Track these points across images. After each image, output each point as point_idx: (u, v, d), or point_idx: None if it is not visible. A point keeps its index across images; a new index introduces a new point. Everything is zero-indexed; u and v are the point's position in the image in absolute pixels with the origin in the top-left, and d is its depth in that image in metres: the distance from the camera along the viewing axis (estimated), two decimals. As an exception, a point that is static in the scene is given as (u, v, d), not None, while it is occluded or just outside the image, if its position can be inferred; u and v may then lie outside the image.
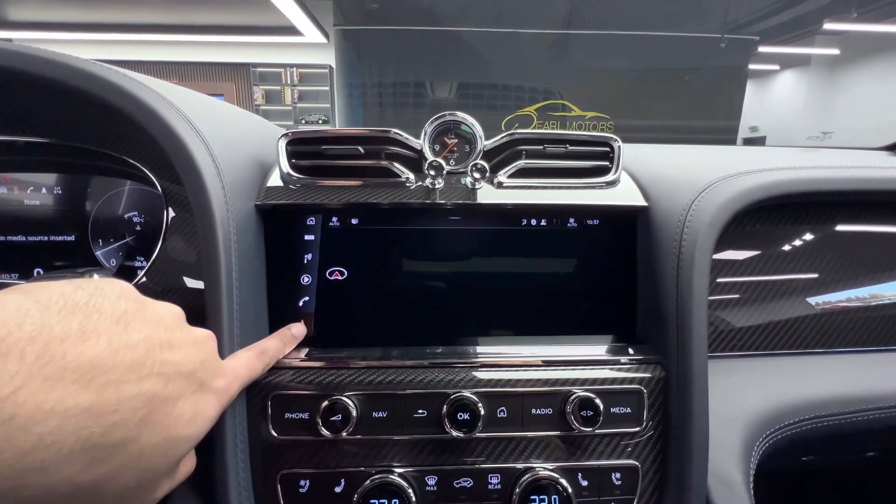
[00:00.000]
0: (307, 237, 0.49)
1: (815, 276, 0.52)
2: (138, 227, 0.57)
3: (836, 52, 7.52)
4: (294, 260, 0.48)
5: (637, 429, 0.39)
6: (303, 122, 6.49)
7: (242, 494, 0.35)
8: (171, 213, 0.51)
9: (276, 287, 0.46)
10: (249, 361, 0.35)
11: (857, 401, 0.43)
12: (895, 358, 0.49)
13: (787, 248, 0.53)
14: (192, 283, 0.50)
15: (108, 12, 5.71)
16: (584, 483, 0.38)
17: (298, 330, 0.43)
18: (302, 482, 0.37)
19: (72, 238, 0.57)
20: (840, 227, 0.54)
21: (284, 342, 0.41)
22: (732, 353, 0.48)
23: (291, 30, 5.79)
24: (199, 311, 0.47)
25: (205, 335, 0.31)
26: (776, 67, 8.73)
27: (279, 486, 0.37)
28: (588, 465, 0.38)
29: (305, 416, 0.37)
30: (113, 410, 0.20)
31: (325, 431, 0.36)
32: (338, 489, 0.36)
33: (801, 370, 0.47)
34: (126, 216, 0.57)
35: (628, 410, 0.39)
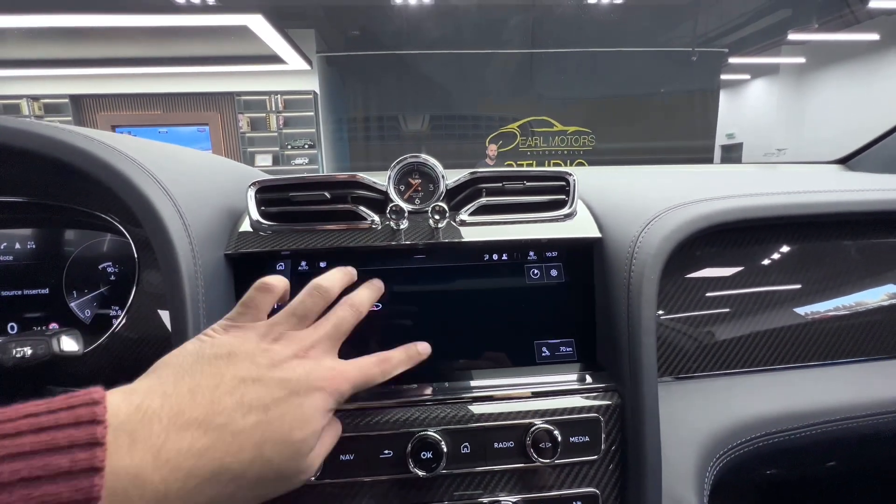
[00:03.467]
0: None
1: (766, 292, 0.55)
2: (112, 277, 0.58)
3: (802, 60, 7.85)
4: None
5: (595, 457, 0.41)
6: (289, 147, 6.55)
7: None
8: (142, 262, 0.52)
9: None
10: (365, 365, 0.36)
11: (806, 415, 0.45)
12: (842, 371, 0.51)
13: (739, 268, 0.56)
14: (170, 327, 0.51)
15: (91, 47, 5.77)
16: (547, 514, 0.39)
17: (424, 348, 0.42)
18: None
19: (46, 291, 0.57)
20: (797, 245, 0.57)
21: (409, 356, 0.40)
22: (688, 375, 0.50)
23: (275, 58, 5.89)
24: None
25: (294, 351, 0.32)
26: (747, 77, 9.07)
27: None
28: (550, 495, 0.39)
29: (274, 463, 0.38)
30: (230, 443, 0.26)
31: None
32: (305, 537, 0.37)
33: (755, 387, 0.49)
34: (100, 266, 0.58)
35: (586, 439, 0.41)
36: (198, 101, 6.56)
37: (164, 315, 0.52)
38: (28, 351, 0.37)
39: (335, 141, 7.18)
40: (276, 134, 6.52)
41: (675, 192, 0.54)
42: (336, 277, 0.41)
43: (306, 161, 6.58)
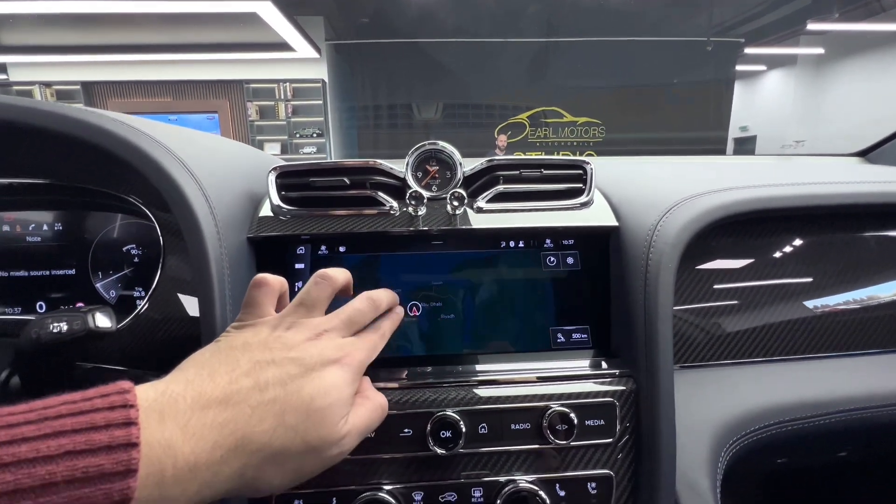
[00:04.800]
0: (297, 265, 0.51)
1: (780, 284, 0.55)
2: (136, 259, 0.60)
3: (820, 51, 7.64)
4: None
5: (610, 440, 0.41)
6: (297, 135, 6.55)
7: None
8: (167, 245, 0.54)
9: None
10: (367, 336, 0.36)
11: (818, 405, 0.46)
12: (856, 362, 0.52)
13: (757, 258, 0.56)
14: (192, 311, 0.52)
15: (103, 34, 5.79)
16: (562, 493, 0.40)
17: (400, 309, 0.42)
18: (296, 502, 0.39)
19: (72, 272, 0.59)
20: (810, 238, 0.57)
21: (393, 321, 0.40)
22: (701, 363, 0.51)
23: (284, 46, 5.86)
24: (198, 340, 0.50)
25: (306, 336, 0.33)
26: (763, 68, 8.86)
27: (274, 506, 0.39)
28: (565, 475, 0.40)
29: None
30: (250, 415, 0.27)
31: (316, 453, 0.38)
32: (329, 508, 0.39)
33: (767, 377, 0.49)
34: (124, 248, 0.59)
35: (602, 423, 0.42)
36: (207, 89, 6.56)
37: (185, 298, 0.53)
38: (64, 327, 0.38)
39: (343, 129, 7.17)
40: (284, 122, 6.52)
41: (693, 182, 0.54)
42: (340, 270, 0.40)
43: (314, 150, 6.58)
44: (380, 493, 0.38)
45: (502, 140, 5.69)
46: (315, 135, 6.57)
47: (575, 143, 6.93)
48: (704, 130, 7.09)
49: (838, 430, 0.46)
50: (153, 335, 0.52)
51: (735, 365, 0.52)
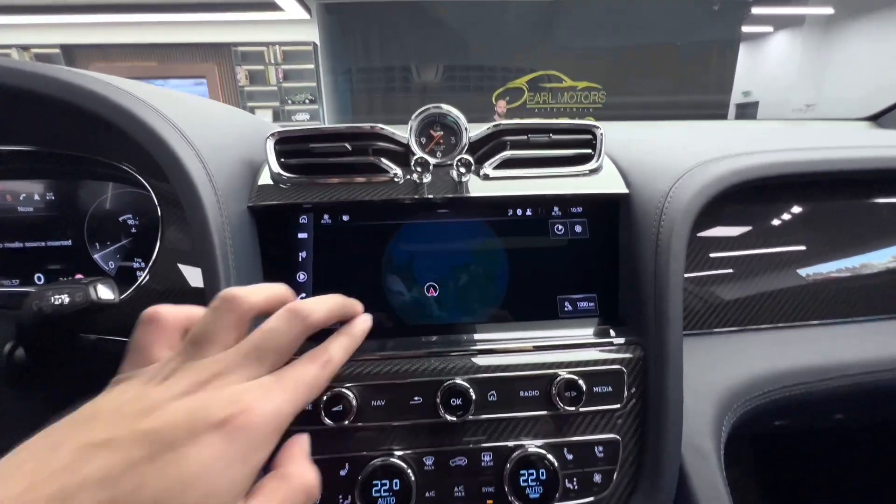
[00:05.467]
0: (300, 235, 0.50)
1: (786, 252, 0.55)
2: (133, 230, 0.58)
3: (829, 10, 7.36)
4: (289, 258, 0.49)
5: (617, 406, 0.42)
6: (289, 101, 6.35)
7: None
8: (165, 215, 0.52)
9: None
10: (299, 372, 0.26)
11: (821, 370, 0.46)
12: (858, 328, 0.52)
13: (761, 226, 0.56)
14: (194, 282, 0.51)
15: (80, -7, 5.48)
16: (570, 457, 0.41)
17: (365, 320, 0.34)
18: (309, 468, 0.40)
19: (68, 243, 0.58)
20: (814, 204, 0.56)
21: (354, 336, 0.32)
22: (709, 329, 0.51)
23: (271, 5, 5.58)
24: None
25: (184, 387, 0.23)
26: (769, 29, 8.56)
27: (288, 472, 0.39)
28: (573, 440, 0.41)
29: (308, 407, 0.40)
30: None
31: (327, 421, 0.39)
32: (342, 472, 0.39)
33: (773, 344, 0.50)
34: (120, 219, 0.58)
35: (609, 389, 0.42)
36: (194, 53, 6.29)
37: (186, 269, 0.52)
38: (66, 298, 0.37)
39: (338, 94, 6.94)
40: (275, 88, 6.30)
41: (704, 147, 0.52)
42: (262, 287, 0.29)
43: (308, 117, 6.40)
44: (391, 459, 0.39)
45: (501, 106, 5.53)
46: (308, 101, 6.37)
47: (574, 110, 6.77)
48: (707, 94, 6.92)
49: (838, 394, 0.47)
50: (145, 306, 0.51)
51: (739, 332, 0.52)
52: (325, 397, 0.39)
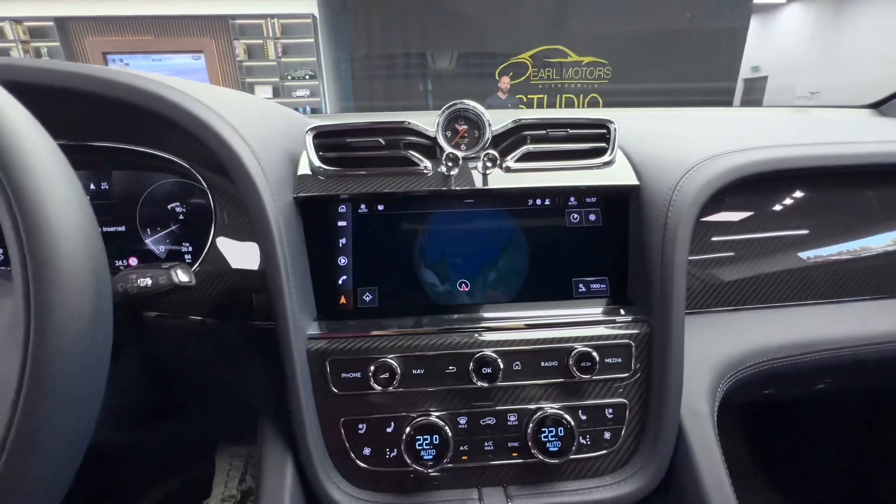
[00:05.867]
0: (340, 223, 0.55)
1: (780, 237, 0.60)
2: (181, 216, 0.63)
3: (845, -20, 7.12)
4: (331, 244, 0.54)
5: (626, 374, 0.48)
6: (288, 77, 6.25)
7: (315, 436, 0.45)
8: (216, 202, 0.57)
9: (317, 269, 0.53)
10: None
11: (806, 345, 0.52)
12: (840, 308, 0.58)
13: (757, 213, 0.60)
14: (243, 265, 0.57)
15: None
16: (584, 417, 0.47)
17: None
18: (360, 425, 0.46)
19: (122, 228, 0.63)
20: (808, 194, 0.61)
21: None
22: (706, 309, 0.57)
23: (269, -24, 5.42)
24: (247, 293, 0.55)
25: None
26: (782, 1, 8.30)
27: (342, 429, 0.46)
28: (586, 403, 0.48)
29: (358, 375, 0.46)
30: None
31: (376, 386, 0.45)
32: (388, 430, 0.46)
33: (763, 321, 0.55)
34: (168, 206, 0.63)
35: (619, 360, 0.48)
36: (190, 26, 6.15)
37: (236, 253, 0.56)
38: (149, 281, 0.43)
39: (337, 72, 6.81)
40: (274, 63, 6.19)
41: (712, 140, 0.56)
42: None
43: (307, 93, 6.32)
44: (431, 418, 0.45)
45: (505, 82, 5.44)
46: (308, 77, 6.28)
47: (579, 86, 6.66)
48: (713, 79, 6.78)
49: (820, 366, 0.53)
50: (209, 287, 0.57)
51: (733, 311, 0.58)
52: (373, 367, 0.45)
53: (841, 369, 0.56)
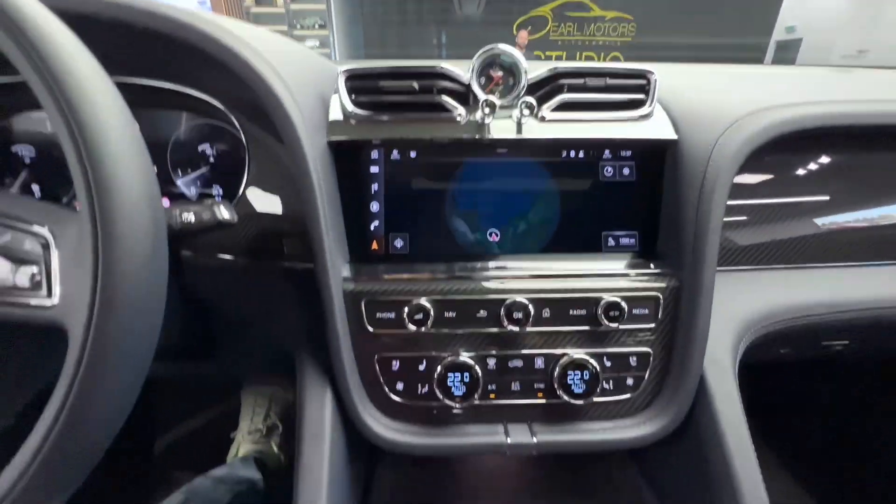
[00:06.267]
0: (373, 169, 0.55)
1: (814, 200, 0.59)
2: (211, 159, 0.63)
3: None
4: (362, 189, 0.55)
5: (652, 325, 0.49)
6: (297, 26, 6.01)
7: (352, 370, 0.47)
8: (249, 144, 0.57)
9: (349, 215, 0.54)
10: None
11: (828, 305, 0.53)
12: (862, 272, 0.58)
13: (794, 173, 0.59)
14: (275, 209, 0.57)
15: None
16: (608, 364, 0.49)
17: None
18: (393, 362, 0.48)
19: (154, 169, 0.63)
20: (847, 155, 0.59)
21: None
22: (732, 267, 0.57)
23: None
24: (279, 235, 0.56)
25: None
26: (825, -47, 7.64)
27: (377, 366, 0.48)
28: (611, 351, 0.49)
29: (392, 315, 0.48)
30: None
31: (410, 326, 0.47)
32: (421, 367, 0.48)
33: (787, 282, 0.56)
34: (199, 148, 0.63)
35: (646, 311, 0.49)
36: (195, -34, 5.85)
37: (270, 196, 0.57)
38: (192, 217, 0.44)
39: (349, 20, 6.52)
40: (283, 10, 5.93)
41: (754, 95, 0.55)
42: None
43: (317, 44, 6.09)
44: (461, 357, 0.47)
45: (522, 37, 5.18)
46: (317, 26, 6.03)
47: (601, 43, 6.33)
48: (744, 35, 6.38)
49: (840, 326, 0.54)
50: (242, 229, 0.58)
51: (760, 270, 0.58)
52: (407, 308, 0.47)
53: (860, 330, 0.57)
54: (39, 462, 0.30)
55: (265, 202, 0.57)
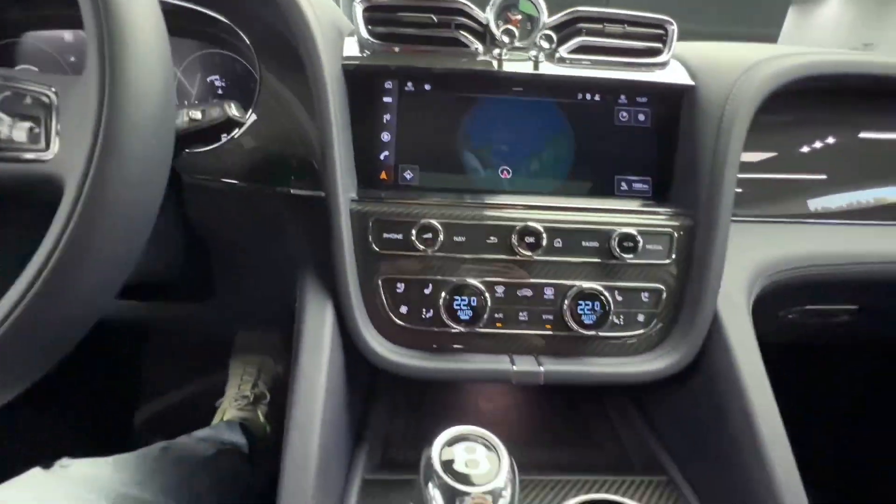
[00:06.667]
0: (386, 99, 0.54)
1: (826, 157, 0.59)
2: (220, 91, 0.62)
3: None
4: (374, 118, 0.54)
5: (666, 261, 0.48)
6: None
7: (355, 292, 0.45)
8: (262, 69, 0.56)
9: (360, 143, 0.52)
10: None
11: (841, 256, 0.52)
12: (876, 229, 0.57)
13: (799, 129, 0.59)
14: (280, 132, 0.56)
15: None
16: (620, 298, 0.48)
17: None
18: (398, 285, 0.47)
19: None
20: (850, 115, 0.60)
21: None
22: (751, 218, 0.56)
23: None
24: (284, 160, 0.55)
25: None
26: (823, -8, 7.91)
27: (381, 287, 0.47)
28: (623, 285, 0.48)
29: (400, 236, 0.46)
30: None
31: (418, 245, 0.45)
32: (426, 291, 0.46)
33: (800, 234, 0.55)
34: (209, 79, 0.62)
35: (660, 248, 0.48)
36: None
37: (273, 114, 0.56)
38: (199, 114, 0.42)
39: None
40: None
41: (772, 50, 0.55)
42: None
43: None
44: (469, 281, 0.46)
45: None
46: None
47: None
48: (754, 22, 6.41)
49: (852, 279, 0.53)
50: (249, 153, 0.56)
51: (777, 223, 0.57)
52: (415, 229, 0.46)
53: (871, 285, 0.56)
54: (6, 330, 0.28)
55: (273, 126, 0.55)
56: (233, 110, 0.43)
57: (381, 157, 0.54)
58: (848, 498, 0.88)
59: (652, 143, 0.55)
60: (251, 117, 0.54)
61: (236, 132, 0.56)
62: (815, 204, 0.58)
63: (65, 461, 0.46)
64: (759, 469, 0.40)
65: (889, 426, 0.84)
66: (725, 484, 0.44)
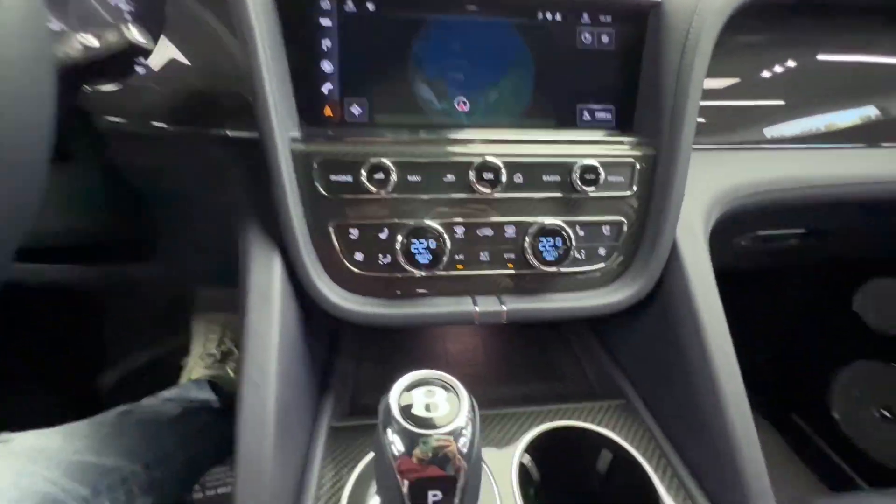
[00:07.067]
0: (323, 21, 0.48)
1: (776, 80, 0.58)
2: (127, 16, 0.53)
3: None
4: (313, 46, 0.47)
5: (627, 193, 0.47)
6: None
7: (305, 241, 0.42)
8: None
9: (298, 75, 0.47)
10: None
11: (795, 180, 0.53)
12: (828, 153, 0.58)
13: (758, 53, 0.58)
14: (202, 64, 0.49)
15: None
16: (581, 233, 0.47)
17: None
18: (351, 230, 0.44)
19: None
20: (813, 37, 0.58)
21: None
22: (709, 145, 0.56)
23: None
24: (214, 98, 0.48)
25: None
26: None
27: (333, 234, 0.44)
28: (584, 219, 0.47)
29: (349, 178, 0.43)
30: None
31: (370, 187, 0.42)
32: (382, 235, 0.44)
33: (756, 160, 0.56)
34: (112, 2, 0.52)
35: (621, 179, 0.47)
36: None
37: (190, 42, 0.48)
38: (96, 41, 0.35)
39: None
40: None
41: None
42: None
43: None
44: (426, 222, 0.43)
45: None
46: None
47: None
48: None
49: (805, 203, 0.55)
50: (175, 91, 0.50)
51: (732, 150, 0.57)
52: (365, 170, 0.42)
53: (824, 208, 0.58)
54: None
55: (196, 56, 0.48)
56: (133, 34, 0.36)
57: (324, 90, 0.48)
58: (781, 396, 0.99)
59: (616, 69, 0.52)
60: (163, 44, 0.46)
61: (147, 63, 0.48)
62: (772, 130, 0.57)
63: (5, 435, 0.44)
64: (707, 385, 0.42)
65: (822, 336, 0.92)
66: (678, 401, 0.47)
